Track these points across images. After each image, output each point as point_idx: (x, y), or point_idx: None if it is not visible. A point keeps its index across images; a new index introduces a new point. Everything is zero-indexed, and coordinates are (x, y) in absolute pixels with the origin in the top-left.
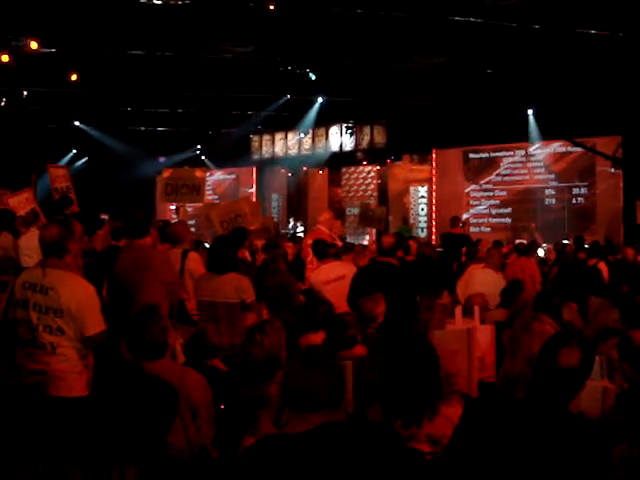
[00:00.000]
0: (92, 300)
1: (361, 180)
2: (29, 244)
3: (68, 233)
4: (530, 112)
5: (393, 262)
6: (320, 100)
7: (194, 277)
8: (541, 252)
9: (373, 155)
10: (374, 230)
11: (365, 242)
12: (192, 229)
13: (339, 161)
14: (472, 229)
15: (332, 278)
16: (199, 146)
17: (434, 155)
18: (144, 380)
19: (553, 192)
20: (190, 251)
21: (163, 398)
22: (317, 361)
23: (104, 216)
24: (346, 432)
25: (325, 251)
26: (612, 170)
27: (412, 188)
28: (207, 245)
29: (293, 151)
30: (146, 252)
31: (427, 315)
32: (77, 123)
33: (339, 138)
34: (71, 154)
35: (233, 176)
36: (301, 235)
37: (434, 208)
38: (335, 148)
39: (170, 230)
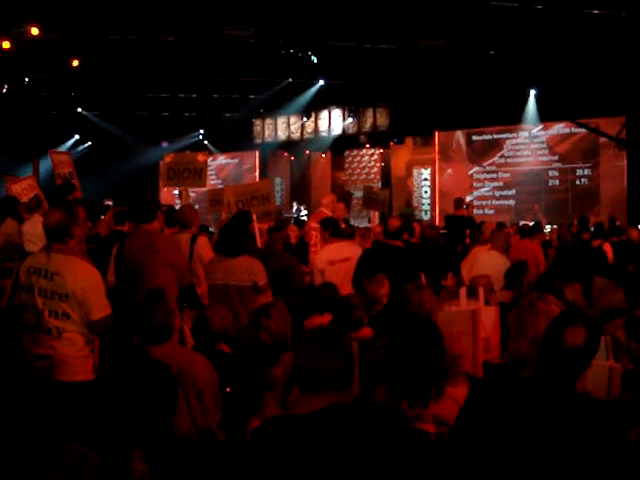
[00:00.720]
0: (97, 284)
1: (364, 163)
2: (33, 230)
3: (72, 218)
4: (532, 93)
5: (399, 245)
6: (321, 83)
7: (203, 262)
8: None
9: (376, 138)
10: (377, 213)
11: (368, 225)
12: None
13: (342, 144)
14: (476, 211)
15: (338, 259)
16: (202, 131)
17: (437, 137)
18: (148, 364)
19: (557, 173)
20: (199, 236)
21: (165, 381)
22: (327, 342)
23: (108, 202)
24: (353, 413)
25: (338, 229)
26: (616, 150)
27: (415, 171)
28: (211, 229)
29: (296, 135)
30: (154, 236)
31: (417, 295)
32: (79, 109)
33: (342, 121)
34: (73, 140)
35: (236, 160)
36: (305, 219)
37: (437, 190)
38: (338, 131)
39: (179, 214)
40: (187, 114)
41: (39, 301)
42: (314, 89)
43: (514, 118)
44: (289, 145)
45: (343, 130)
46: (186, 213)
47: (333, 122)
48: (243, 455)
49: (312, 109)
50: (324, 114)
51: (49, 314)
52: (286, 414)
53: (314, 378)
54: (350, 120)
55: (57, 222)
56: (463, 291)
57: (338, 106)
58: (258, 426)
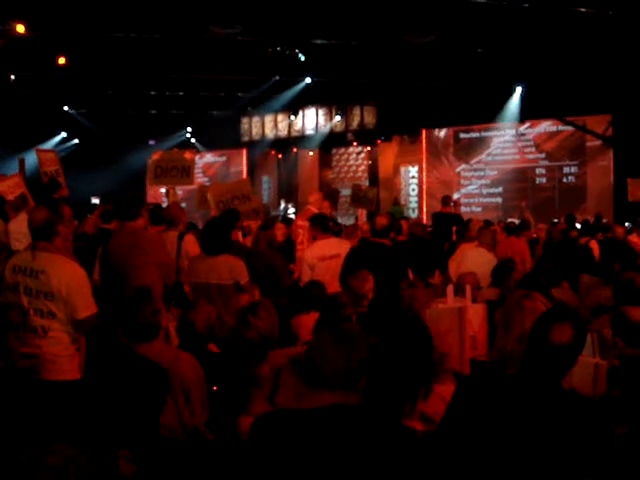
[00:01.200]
0: (82, 283)
1: (352, 161)
2: (19, 228)
3: (57, 216)
4: (518, 90)
5: (385, 242)
6: (308, 81)
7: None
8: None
9: (363, 136)
10: (365, 211)
11: (355, 223)
12: None
13: (329, 142)
14: (463, 209)
15: (328, 255)
16: (189, 128)
17: (424, 135)
18: (135, 362)
19: (544, 171)
20: (186, 234)
21: (154, 380)
22: (345, 340)
23: (95, 200)
24: (355, 415)
25: (327, 225)
26: (602, 148)
27: (403, 168)
28: (199, 227)
29: (283, 133)
30: (139, 234)
31: (410, 291)
32: (66, 107)
33: (329, 119)
34: (60, 137)
35: (223, 158)
36: (292, 217)
37: (425, 188)
38: (325, 129)
39: (166, 212)
40: (174, 112)
41: (24, 300)
42: (301, 87)
43: (501, 116)
44: (276, 143)
45: (330, 128)
46: (173, 211)
47: (320, 120)
48: (239, 447)
49: (299, 107)
50: (311, 112)
51: (34, 313)
52: (291, 407)
53: (323, 376)
54: (337, 118)
55: (42, 220)
56: (450, 288)
57: (326, 104)
58: (259, 417)
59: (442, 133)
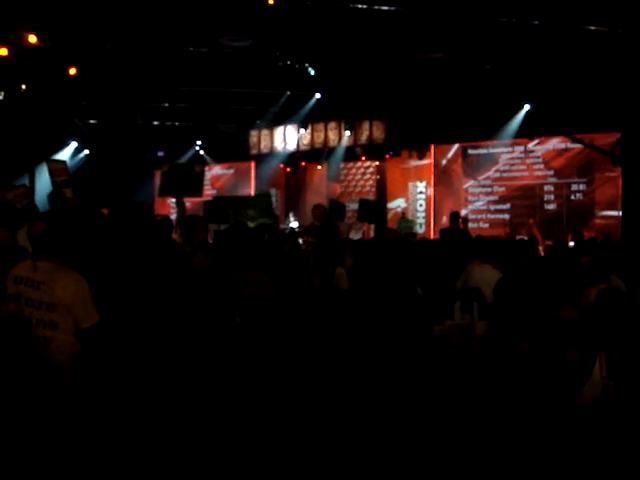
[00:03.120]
0: (84, 293)
1: (360, 176)
2: (25, 238)
3: (59, 227)
4: (527, 107)
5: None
6: (318, 96)
7: None
8: None
9: (372, 151)
10: (373, 226)
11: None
12: None
13: (338, 157)
14: (471, 225)
15: None
16: (198, 141)
17: (433, 151)
18: None
19: (552, 188)
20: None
21: None
22: None
23: (104, 210)
24: None
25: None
26: (611, 166)
27: (411, 184)
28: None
29: (292, 146)
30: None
31: None
32: (76, 117)
33: (338, 134)
34: (72, 148)
35: (231, 171)
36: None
37: (433, 204)
38: (334, 144)
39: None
40: (184, 124)
41: (27, 311)
42: (311, 102)
43: (510, 133)
44: (285, 157)
45: (339, 142)
46: None
47: (329, 134)
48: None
49: (308, 121)
50: (320, 126)
51: (37, 324)
52: None
53: None
54: (347, 133)
55: (43, 232)
56: (457, 305)
57: (334, 118)
58: None
59: (451, 149)
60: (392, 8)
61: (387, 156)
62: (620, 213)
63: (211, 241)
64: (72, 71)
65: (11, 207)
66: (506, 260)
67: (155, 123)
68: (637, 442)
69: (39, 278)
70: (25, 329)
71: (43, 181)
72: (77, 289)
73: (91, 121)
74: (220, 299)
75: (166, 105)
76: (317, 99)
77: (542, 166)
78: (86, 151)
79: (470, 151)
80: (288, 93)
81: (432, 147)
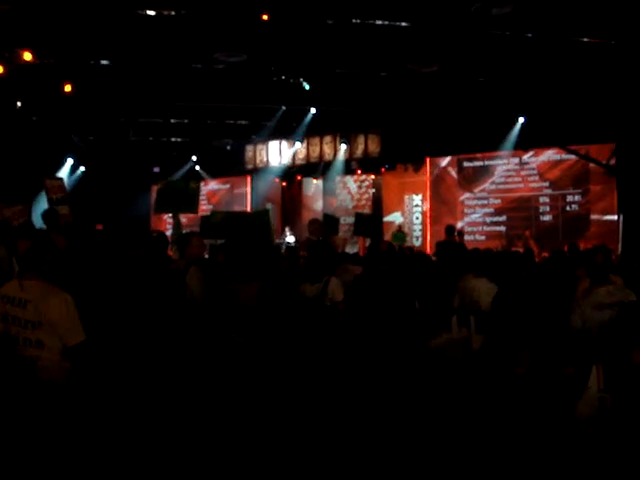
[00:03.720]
0: (71, 311)
1: (355, 189)
2: None
3: (45, 246)
4: (522, 119)
5: (387, 269)
6: (313, 110)
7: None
8: None
9: (367, 164)
10: (368, 240)
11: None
12: None
13: (333, 170)
14: (467, 237)
15: None
16: (193, 156)
17: (428, 163)
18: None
19: (547, 200)
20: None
21: None
22: None
23: (98, 227)
24: None
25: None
26: (606, 177)
27: (406, 197)
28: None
29: (287, 160)
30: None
31: None
32: (72, 134)
33: (333, 147)
34: (69, 165)
35: (227, 186)
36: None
37: (429, 217)
38: (329, 158)
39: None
40: (179, 140)
41: (13, 330)
42: (308, 117)
43: (505, 145)
44: (280, 171)
45: (334, 156)
46: None
47: (325, 148)
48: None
49: (303, 135)
50: (316, 140)
51: (23, 343)
52: None
53: None
54: (344, 146)
55: (28, 250)
56: (454, 319)
57: (330, 132)
58: None
59: (446, 162)
60: (386, 22)
61: (383, 169)
62: (615, 217)
63: (207, 255)
64: (67, 88)
65: (7, 225)
66: (503, 273)
67: (150, 139)
68: (634, 456)
69: (25, 297)
70: (12, 348)
71: (41, 198)
72: (63, 307)
73: (87, 138)
74: (214, 313)
75: (161, 121)
76: (313, 114)
77: (537, 178)
78: (82, 168)
79: (465, 164)
80: (283, 108)
81: (427, 160)
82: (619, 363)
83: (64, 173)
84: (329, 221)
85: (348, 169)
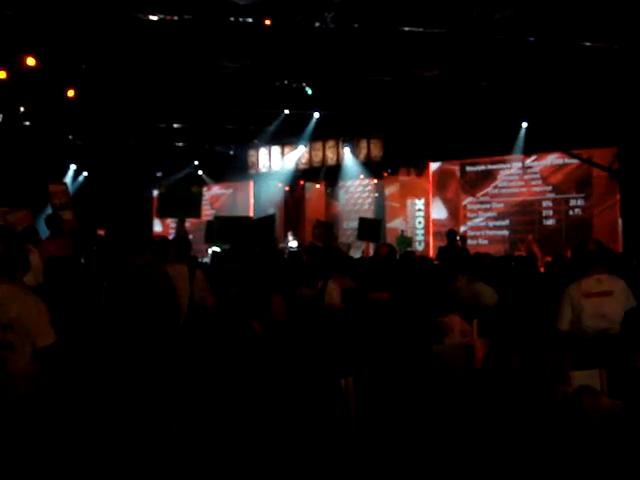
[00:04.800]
0: (40, 313)
1: (358, 194)
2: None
3: (20, 250)
4: (524, 125)
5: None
6: (317, 115)
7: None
8: None
9: (370, 169)
10: (371, 244)
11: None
12: None
13: (336, 175)
14: (469, 242)
15: None
16: (196, 161)
17: (431, 168)
18: None
19: (550, 204)
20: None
21: None
22: None
23: (100, 232)
24: None
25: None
26: (609, 181)
27: (409, 201)
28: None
29: (290, 165)
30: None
31: None
32: (75, 139)
33: (336, 152)
34: (72, 171)
35: (230, 190)
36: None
37: (431, 221)
38: (332, 162)
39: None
40: (182, 144)
41: None
42: (312, 121)
43: (507, 149)
44: (283, 176)
45: (337, 160)
46: None
47: (327, 152)
48: None
49: (306, 140)
50: (318, 144)
51: None
52: None
53: None
54: (347, 150)
55: (1, 254)
56: (457, 323)
57: (332, 137)
58: None
59: (448, 166)
60: (388, 27)
61: (385, 174)
62: (618, 221)
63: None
64: (70, 93)
65: (10, 230)
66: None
67: (153, 144)
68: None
69: None
70: None
71: (45, 203)
72: (33, 309)
73: (90, 143)
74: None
75: (164, 126)
76: (317, 119)
77: (540, 182)
78: (85, 173)
79: (468, 168)
80: (286, 112)
81: (430, 164)
82: (623, 368)
83: (67, 178)
84: (329, 227)
85: (351, 174)
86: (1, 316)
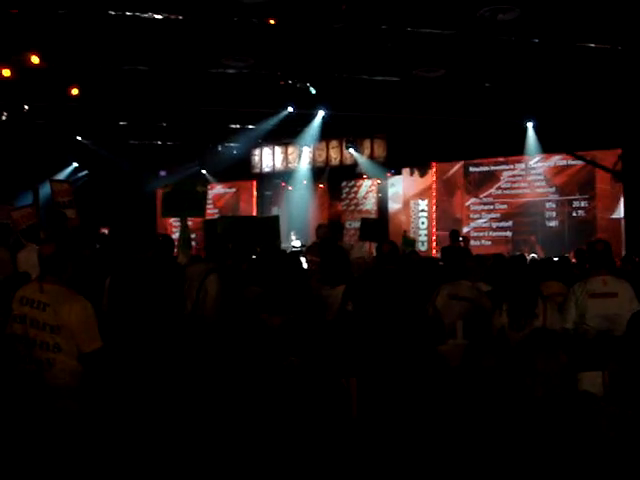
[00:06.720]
0: (89, 317)
1: (361, 194)
2: (28, 259)
3: (68, 251)
4: (530, 125)
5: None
6: (321, 114)
7: None
8: None
9: (373, 169)
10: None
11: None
12: (192, 243)
13: (339, 175)
14: (473, 242)
15: None
16: (199, 160)
17: (434, 168)
18: None
19: (553, 205)
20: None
21: None
22: None
23: (104, 230)
24: None
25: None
26: (612, 182)
27: (412, 202)
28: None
29: (293, 165)
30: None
31: None
32: (78, 137)
33: (339, 152)
34: (72, 168)
35: (233, 190)
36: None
37: (434, 222)
38: (335, 162)
39: None
40: (185, 143)
41: (31, 332)
42: (317, 121)
43: (511, 150)
44: (287, 175)
45: (340, 160)
46: None
47: (331, 152)
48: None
49: (310, 140)
50: (322, 144)
51: (40, 346)
52: None
53: None
54: (351, 150)
55: (51, 254)
56: (459, 324)
57: (336, 137)
58: None
59: (452, 167)
60: (392, 27)
61: (388, 174)
62: (621, 223)
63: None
64: (74, 91)
65: (13, 227)
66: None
67: (157, 142)
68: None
69: (45, 300)
70: (29, 351)
71: (47, 200)
72: (82, 313)
73: (93, 140)
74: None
75: (167, 124)
76: (322, 117)
77: (544, 183)
78: (86, 171)
79: (471, 168)
80: (289, 112)
81: (433, 165)
82: (626, 370)
83: (66, 175)
84: (335, 227)
85: (354, 173)
86: (50, 317)
